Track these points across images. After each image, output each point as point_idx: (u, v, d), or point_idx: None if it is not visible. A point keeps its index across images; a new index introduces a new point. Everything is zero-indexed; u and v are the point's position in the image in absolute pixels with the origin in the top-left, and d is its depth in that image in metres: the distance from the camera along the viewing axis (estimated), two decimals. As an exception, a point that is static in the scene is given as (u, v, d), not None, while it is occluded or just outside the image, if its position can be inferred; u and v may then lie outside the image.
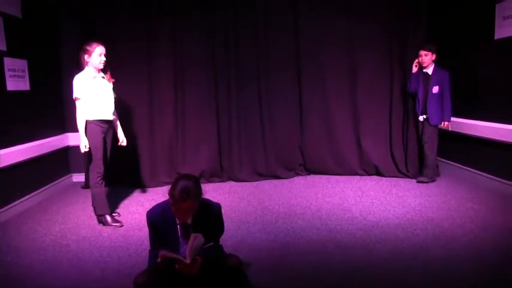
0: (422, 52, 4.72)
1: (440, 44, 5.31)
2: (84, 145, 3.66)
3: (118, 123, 4.05)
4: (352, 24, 5.20)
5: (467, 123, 4.85)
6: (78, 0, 5.10)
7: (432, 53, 4.71)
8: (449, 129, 4.86)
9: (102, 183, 3.78)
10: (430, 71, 4.78)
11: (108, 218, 3.79)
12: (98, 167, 3.73)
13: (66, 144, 5.34)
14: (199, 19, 5.18)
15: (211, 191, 4.78)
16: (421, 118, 4.90)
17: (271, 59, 5.27)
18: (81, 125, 3.66)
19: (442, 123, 4.78)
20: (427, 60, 4.73)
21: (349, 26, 5.21)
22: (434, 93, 4.74)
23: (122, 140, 4.04)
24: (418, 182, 4.89)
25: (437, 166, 5.25)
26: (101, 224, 3.80)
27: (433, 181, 4.88)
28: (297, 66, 5.35)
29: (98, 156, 3.72)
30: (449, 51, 5.14)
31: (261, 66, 5.30)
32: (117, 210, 4.18)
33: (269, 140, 5.37)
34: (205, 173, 5.33)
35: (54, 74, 5.19)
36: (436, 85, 4.73)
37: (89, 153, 3.77)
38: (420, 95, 4.87)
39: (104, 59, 3.72)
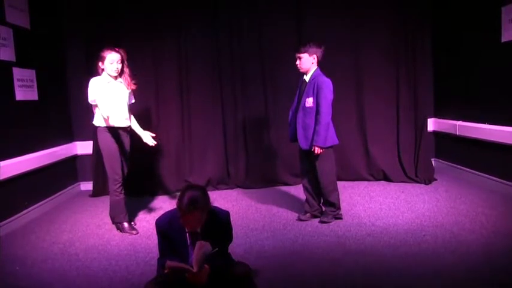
0: (296, 55, 3.74)
1: (446, 46, 5.32)
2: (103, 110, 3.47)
3: (136, 126, 3.95)
4: (357, 28, 5.21)
5: (475, 127, 4.80)
6: (83, 10, 5.15)
7: (310, 55, 3.68)
8: (317, 154, 3.62)
9: (121, 191, 3.77)
10: (307, 77, 3.73)
11: (126, 225, 3.81)
12: (116, 174, 3.72)
13: (74, 153, 5.38)
14: (203, 25, 5.22)
15: (219, 199, 4.78)
16: None
17: (276, 64, 5.25)
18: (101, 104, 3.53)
19: (313, 148, 3.62)
20: (303, 65, 3.71)
21: (354, 30, 5.21)
22: (307, 107, 3.67)
23: (147, 140, 3.89)
24: (320, 222, 3.82)
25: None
26: (118, 231, 3.82)
27: (340, 219, 3.86)
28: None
29: (113, 164, 3.71)
30: (456, 54, 5.12)
31: (266, 72, 5.31)
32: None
33: (276, 146, 5.36)
34: (213, 180, 5.33)
35: (61, 84, 5.25)
36: (309, 96, 3.65)
37: (99, 161, 3.77)
38: (292, 108, 3.89)
39: (117, 66, 3.66)
